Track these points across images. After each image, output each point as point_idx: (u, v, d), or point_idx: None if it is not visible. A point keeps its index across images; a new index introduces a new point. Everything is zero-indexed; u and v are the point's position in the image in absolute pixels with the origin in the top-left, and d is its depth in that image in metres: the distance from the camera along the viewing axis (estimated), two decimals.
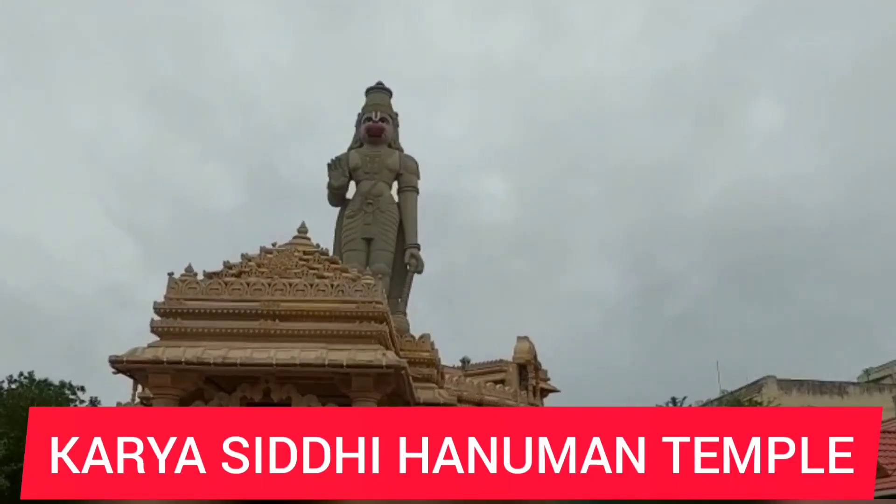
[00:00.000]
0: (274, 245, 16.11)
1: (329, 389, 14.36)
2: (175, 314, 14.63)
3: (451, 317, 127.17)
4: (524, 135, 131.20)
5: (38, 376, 36.51)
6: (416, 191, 24.33)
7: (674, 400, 47.23)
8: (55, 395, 36.03)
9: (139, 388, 24.99)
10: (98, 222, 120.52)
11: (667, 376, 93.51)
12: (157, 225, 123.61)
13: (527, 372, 26.94)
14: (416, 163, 24.62)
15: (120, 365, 14.23)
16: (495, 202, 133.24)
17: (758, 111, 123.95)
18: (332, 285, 14.85)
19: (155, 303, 14.79)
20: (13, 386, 35.85)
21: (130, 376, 16.00)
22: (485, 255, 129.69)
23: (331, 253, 18.24)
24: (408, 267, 23.13)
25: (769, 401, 34.70)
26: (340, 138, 25.11)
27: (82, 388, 37.69)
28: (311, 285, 14.85)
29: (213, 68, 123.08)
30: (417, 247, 23.29)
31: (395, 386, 14.58)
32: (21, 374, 36.29)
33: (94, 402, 40.84)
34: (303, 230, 17.20)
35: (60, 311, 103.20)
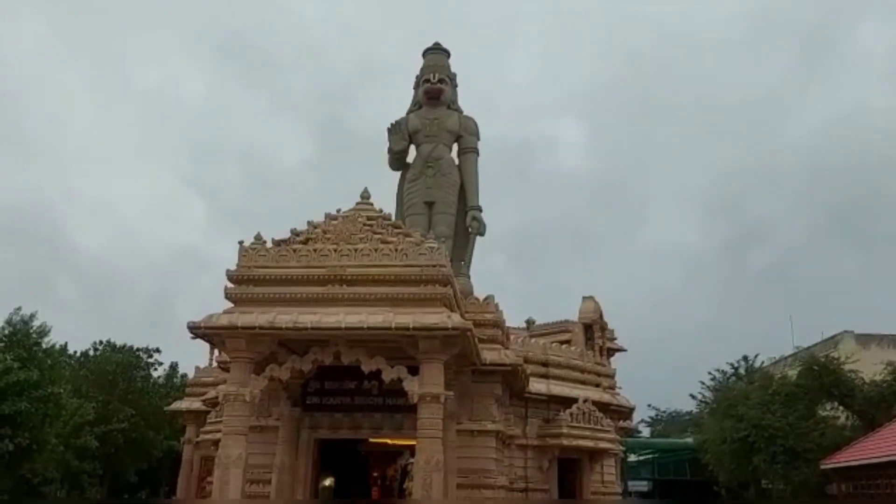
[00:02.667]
0: (338, 211, 16.35)
1: (397, 352, 14.64)
2: (247, 281, 15.09)
3: (528, 275, 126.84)
4: (602, 73, 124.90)
5: (119, 341, 38.45)
6: (477, 152, 24.23)
7: (745, 358, 46.40)
8: (135, 360, 37.91)
9: (216, 352, 26.18)
10: (168, 183, 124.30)
11: (745, 333, 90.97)
12: (227, 184, 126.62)
13: (593, 332, 26.82)
14: (475, 123, 24.49)
15: (198, 331, 14.81)
16: (571, 149, 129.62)
17: (867, 35, 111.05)
18: (396, 249, 15.03)
19: (227, 271, 15.27)
20: (97, 353, 37.85)
21: (208, 341, 16.67)
22: (561, 208, 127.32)
23: (393, 217, 18.44)
24: (470, 229, 23.19)
25: (846, 357, 33.61)
26: (409, 88, 25.09)
27: (158, 350, 39.44)
28: (376, 250, 15.06)
29: (278, 20, 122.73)
30: (479, 209, 23.29)
31: (461, 347, 14.75)
32: (104, 341, 38.26)
33: (173, 366, 42.84)
34: (365, 196, 17.39)
35: (137, 275, 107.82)
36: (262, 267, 15.11)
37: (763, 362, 44.86)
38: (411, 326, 13.73)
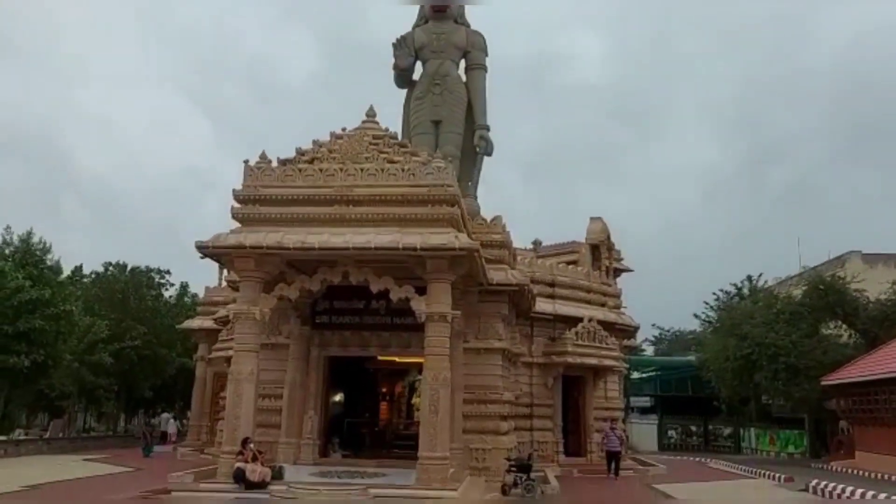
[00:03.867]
0: (344, 130, 16.09)
1: (405, 272, 14.69)
2: (253, 201, 15.01)
3: (544, 194, 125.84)
4: None
5: (128, 261, 38.74)
6: (485, 69, 23.62)
7: (749, 279, 46.53)
8: (146, 280, 38.29)
9: (225, 272, 26.38)
10: (173, 101, 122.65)
11: (754, 255, 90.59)
12: (233, 101, 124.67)
13: (599, 252, 26.86)
14: (483, 39, 23.79)
15: (206, 250, 14.85)
16: (591, 63, 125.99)
17: None
18: (402, 169, 14.86)
19: (234, 190, 15.17)
20: (108, 272, 38.19)
21: (216, 261, 16.78)
22: (579, 124, 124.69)
23: (399, 136, 18.17)
24: (477, 149, 22.86)
25: (852, 276, 33.69)
26: None
27: (168, 272, 39.79)
28: (383, 170, 14.90)
29: None
30: (487, 128, 22.89)
31: (468, 268, 14.78)
32: (115, 261, 38.55)
33: (183, 286, 43.30)
34: (371, 114, 17.07)
35: (143, 196, 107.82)
36: (267, 186, 15.00)
37: (767, 282, 45.01)
38: (419, 247, 13.72)
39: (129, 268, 38.27)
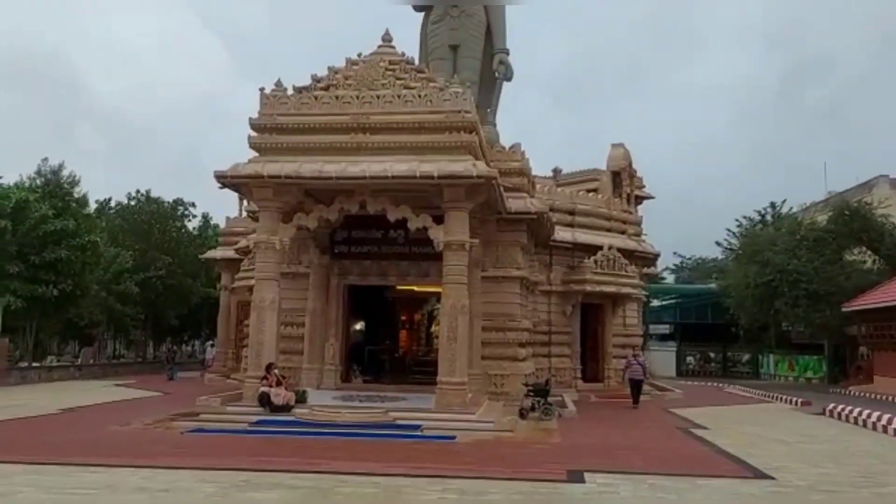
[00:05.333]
0: (359, 55, 15.76)
1: (422, 201, 14.61)
2: (270, 129, 14.88)
3: (572, 117, 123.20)
4: None
5: (151, 192, 39.02)
6: None
7: (773, 205, 45.93)
8: (170, 211, 38.65)
9: (245, 202, 26.50)
10: (186, 23, 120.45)
11: (779, 181, 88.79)
12: (248, 24, 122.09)
13: (621, 179, 26.54)
14: None
15: (224, 180, 14.85)
16: None
17: None
18: (419, 96, 14.59)
19: (250, 119, 15.02)
20: (132, 203, 38.54)
21: (235, 190, 16.78)
22: (607, 44, 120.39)
23: (416, 62, 17.80)
24: (496, 74, 22.37)
25: (879, 202, 33.07)
26: None
27: (193, 205, 40.19)
28: (399, 97, 14.64)
29: None
30: (506, 52, 22.32)
31: (486, 196, 14.66)
32: (138, 191, 38.83)
33: (205, 217, 43.69)
34: (387, 38, 16.68)
35: (160, 124, 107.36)
36: (284, 115, 14.84)
37: (791, 208, 44.42)
38: (436, 175, 13.60)
39: (152, 197, 38.58)
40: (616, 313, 23.30)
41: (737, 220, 46.60)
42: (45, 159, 29.53)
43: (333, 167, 14.02)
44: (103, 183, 72.05)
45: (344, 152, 14.43)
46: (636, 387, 19.69)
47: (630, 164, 26.62)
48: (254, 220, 19.52)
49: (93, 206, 34.97)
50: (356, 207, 14.85)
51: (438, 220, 14.31)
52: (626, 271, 22.68)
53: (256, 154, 14.97)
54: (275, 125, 14.85)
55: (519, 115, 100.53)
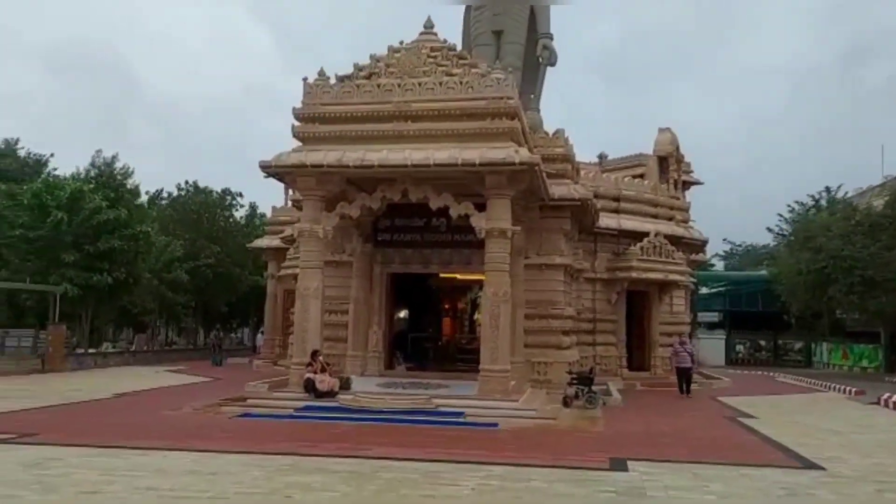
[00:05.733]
0: (401, 43, 15.76)
1: (464, 188, 14.57)
2: (314, 119, 15.00)
3: (621, 98, 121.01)
4: None
5: (199, 182, 39.85)
6: None
7: (827, 190, 44.58)
8: (218, 201, 39.40)
9: (290, 191, 26.83)
10: (233, 12, 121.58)
11: (833, 165, 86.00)
12: (294, 12, 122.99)
13: (667, 164, 26.06)
14: None
15: (269, 169, 15.06)
16: None
17: None
18: (461, 82, 14.52)
19: (294, 108, 15.17)
20: (182, 193, 39.40)
21: (279, 180, 16.99)
22: (662, 18, 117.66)
23: (460, 48, 17.72)
24: (540, 59, 22.14)
25: None
26: None
27: (240, 195, 40.92)
28: (441, 83, 14.59)
29: None
30: (550, 37, 22.05)
31: (528, 183, 14.56)
32: (186, 182, 39.67)
33: (252, 206, 44.42)
34: (429, 25, 16.64)
35: (209, 114, 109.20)
36: (326, 104, 14.94)
37: (847, 193, 43.08)
38: (478, 162, 13.54)
39: (200, 188, 39.37)
40: (663, 301, 22.95)
41: (789, 206, 45.45)
42: (99, 151, 30.49)
43: (375, 155, 14.08)
44: (154, 173, 73.82)
45: (386, 140, 14.47)
46: (683, 375, 19.18)
47: (677, 149, 26.10)
48: (298, 209, 19.76)
49: (144, 196, 35.91)
50: (398, 195, 14.91)
51: (481, 207, 14.27)
52: (673, 258, 22.31)
53: (300, 143, 15.13)
54: (318, 114, 14.96)
55: (567, 99, 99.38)
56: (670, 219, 24.12)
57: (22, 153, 40.51)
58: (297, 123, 15.18)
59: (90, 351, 28.42)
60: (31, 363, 24.10)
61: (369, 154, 14.15)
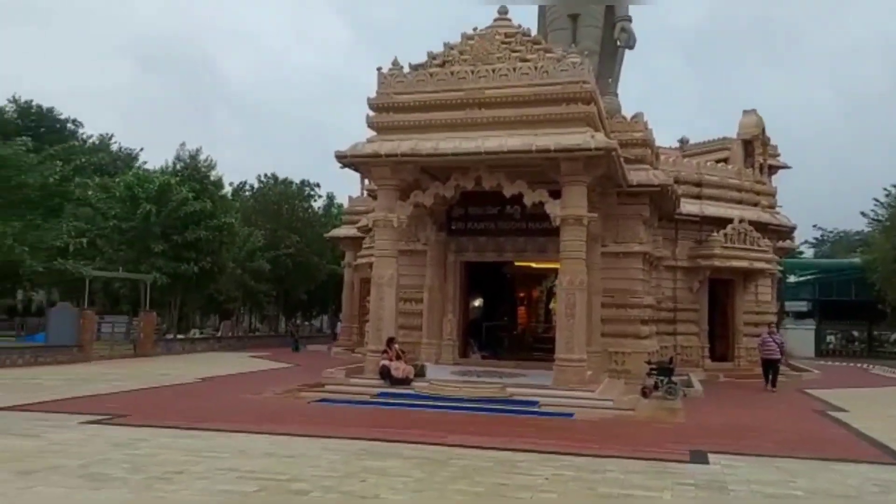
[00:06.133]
0: (475, 30, 15.64)
1: (539, 175, 14.37)
2: (388, 108, 15.09)
3: (709, 78, 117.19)
4: None
5: (279, 173, 40.93)
6: None
7: None
8: (297, 192, 40.35)
9: (366, 182, 27.18)
10: (312, 3, 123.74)
11: None
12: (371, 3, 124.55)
13: (753, 148, 25.09)
14: None
15: (344, 160, 15.23)
16: None
17: None
18: (535, 67, 14.30)
19: (368, 98, 15.29)
20: (262, 185, 40.54)
21: (355, 169, 17.18)
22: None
23: (535, 33, 17.46)
24: (618, 42, 21.60)
25: None
26: None
27: (318, 185, 41.80)
28: (514, 69, 14.41)
29: None
30: (628, 19, 21.44)
31: (605, 168, 14.23)
32: (266, 174, 40.79)
33: (330, 197, 45.29)
34: (503, 11, 16.44)
35: (288, 106, 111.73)
36: (400, 93, 15.00)
37: None
38: (552, 148, 13.32)
39: (280, 180, 40.43)
40: (747, 289, 22.12)
41: (885, 189, 42.96)
42: (183, 144, 31.65)
43: (449, 144, 14.04)
44: (236, 164, 76.31)
45: (459, 128, 14.41)
46: (770, 367, 18.10)
47: (763, 132, 25.08)
48: (373, 198, 19.95)
49: (228, 188, 37.10)
50: (472, 184, 14.84)
51: (556, 194, 14.04)
52: (759, 245, 21.47)
53: (375, 133, 15.25)
54: (391, 104, 15.03)
55: (648, 82, 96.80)
56: (755, 204, 23.20)
57: (115, 147, 42.48)
58: (371, 113, 15.30)
59: (179, 337, 29.64)
60: (124, 348, 25.35)
61: (443, 143, 14.14)
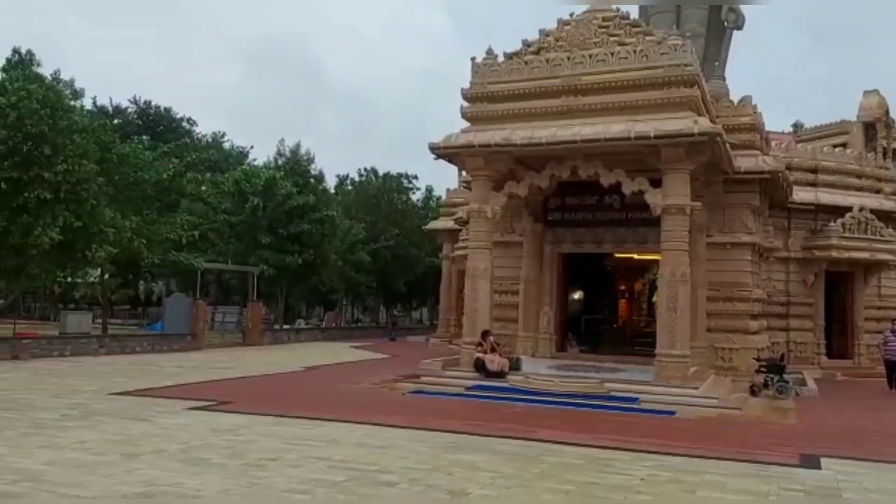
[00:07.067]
0: (571, 15, 15.24)
1: (639, 163, 13.83)
2: (481, 98, 14.95)
3: (836, 59, 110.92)
4: None
5: (380, 167, 41.66)
6: None
7: None
8: (396, 185, 40.90)
9: (462, 173, 27.18)
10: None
11: None
12: None
13: (875, 131, 23.39)
14: None
15: (438, 151, 15.20)
16: None
17: None
18: (634, 51, 13.77)
19: (462, 89, 15.19)
20: (362, 178, 41.35)
21: (449, 161, 17.14)
22: None
23: (638, 17, 16.85)
24: (725, 23, 20.57)
25: None
26: None
27: (416, 177, 42.20)
28: (612, 54, 13.93)
29: None
30: None
31: (709, 155, 13.54)
32: (367, 168, 41.60)
33: (429, 190, 45.64)
34: None
35: (388, 99, 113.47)
36: (494, 83, 14.81)
37: None
38: (652, 135, 12.79)
39: (380, 173, 41.15)
40: (869, 283, 20.62)
41: None
42: (282, 140, 32.67)
43: (544, 132, 13.75)
44: (338, 158, 78.22)
45: (555, 116, 14.10)
46: (894, 368, 16.70)
47: (886, 113, 23.33)
48: (468, 190, 19.88)
49: (332, 182, 38.08)
50: (567, 173, 14.48)
51: (656, 182, 13.48)
52: (882, 235, 19.94)
53: (469, 124, 15.14)
54: (485, 93, 14.88)
55: (760, 65, 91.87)
56: (878, 191, 21.56)
57: (227, 146, 44.45)
58: (465, 104, 15.20)
59: (285, 327, 30.70)
60: (234, 337, 26.50)
61: (537, 131, 13.86)
